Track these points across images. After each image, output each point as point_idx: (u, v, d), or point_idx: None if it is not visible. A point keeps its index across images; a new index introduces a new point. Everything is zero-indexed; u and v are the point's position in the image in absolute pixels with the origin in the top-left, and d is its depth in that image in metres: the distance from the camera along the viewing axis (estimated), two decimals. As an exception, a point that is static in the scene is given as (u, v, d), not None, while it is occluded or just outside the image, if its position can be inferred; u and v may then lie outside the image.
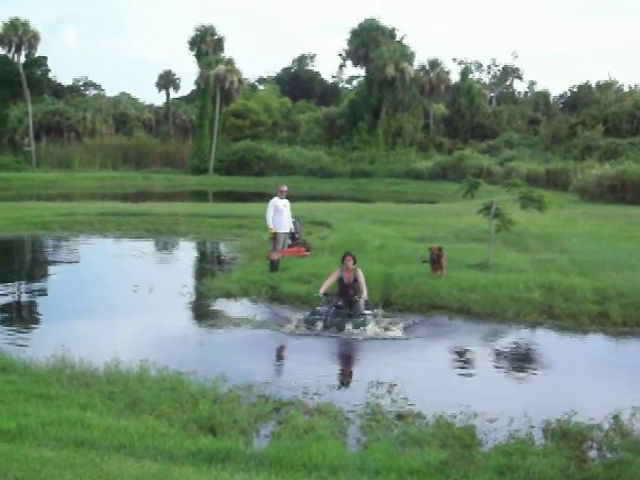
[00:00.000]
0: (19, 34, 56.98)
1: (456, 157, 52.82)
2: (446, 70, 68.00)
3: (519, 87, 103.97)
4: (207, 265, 18.26)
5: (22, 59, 59.99)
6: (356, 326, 10.65)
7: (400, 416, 7.10)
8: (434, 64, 67.56)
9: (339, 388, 8.24)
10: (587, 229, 21.05)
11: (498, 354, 10.04)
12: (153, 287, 14.12)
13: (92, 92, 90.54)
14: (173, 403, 6.95)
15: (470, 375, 9.23)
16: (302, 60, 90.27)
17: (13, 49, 58.06)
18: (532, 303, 11.90)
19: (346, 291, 11.29)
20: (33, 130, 60.24)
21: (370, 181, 54.18)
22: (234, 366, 8.71)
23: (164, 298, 13.42)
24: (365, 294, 11.23)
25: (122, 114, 75.82)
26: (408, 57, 62.79)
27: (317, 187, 51.15)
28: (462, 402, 7.35)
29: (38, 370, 7.83)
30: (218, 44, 64.79)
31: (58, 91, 78.88)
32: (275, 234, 14.93)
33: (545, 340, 10.80)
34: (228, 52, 64.88)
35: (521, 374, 9.21)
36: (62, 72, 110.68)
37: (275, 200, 15.15)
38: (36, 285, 15.04)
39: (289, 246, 16.07)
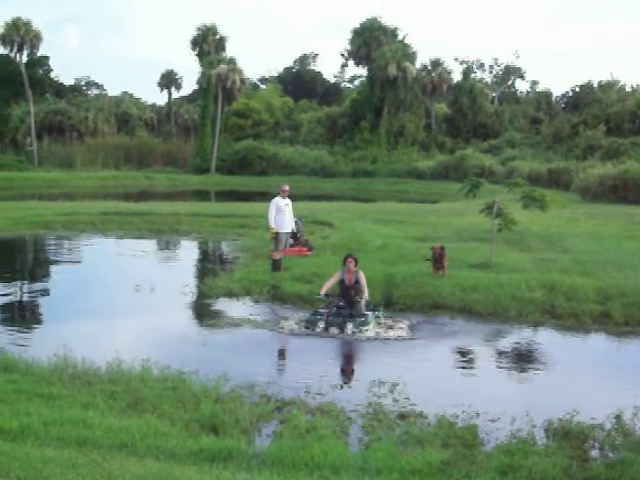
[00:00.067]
0: (21, 34, 56.98)
1: (458, 157, 52.78)
2: (448, 70, 68.08)
3: (521, 87, 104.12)
4: (209, 265, 18.29)
5: (24, 59, 60.16)
6: (357, 326, 10.65)
7: (402, 416, 7.10)
8: (436, 64, 67.52)
9: (341, 388, 8.24)
10: (589, 229, 21.03)
11: (500, 354, 10.03)
12: (155, 286, 14.13)
13: (94, 92, 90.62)
14: (175, 402, 6.95)
15: (472, 375, 9.22)
16: (304, 60, 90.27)
17: (15, 49, 58.04)
18: (534, 303, 11.90)
19: (347, 292, 11.28)
20: (35, 130, 60.29)
21: (372, 181, 54.15)
22: (236, 365, 8.71)
23: (166, 297, 13.43)
24: (366, 295, 11.23)
25: (124, 114, 75.82)
26: (410, 57, 62.73)
27: (319, 187, 51.14)
28: (464, 402, 7.35)
29: (40, 369, 7.84)
30: (220, 44, 64.84)
31: (60, 91, 78.95)
32: (277, 234, 14.93)
33: (547, 340, 10.78)
34: (230, 52, 65.10)
35: (523, 374, 9.21)
36: (64, 72, 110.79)
37: (277, 200, 15.15)
38: (38, 285, 15.04)
39: (291, 246, 16.08)
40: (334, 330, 10.61)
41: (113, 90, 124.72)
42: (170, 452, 5.72)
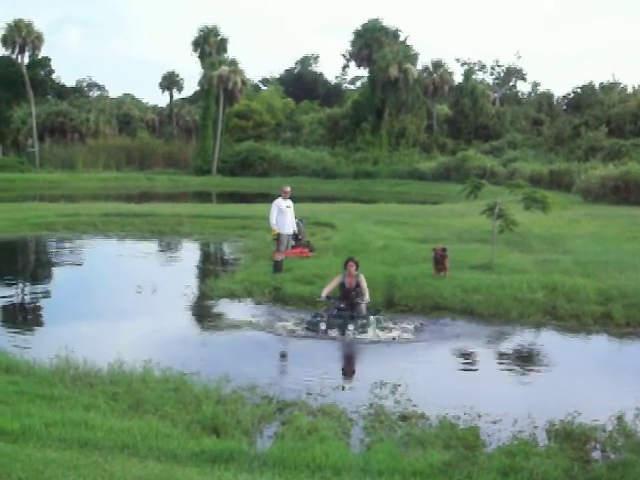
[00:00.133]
0: (22, 35, 57.02)
1: (459, 158, 52.76)
2: (449, 71, 68.03)
3: (522, 88, 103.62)
4: (210, 266, 18.29)
5: (25, 60, 60.13)
6: (358, 328, 10.65)
7: (403, 417, 7.10)
8: (437, 65, 67.58)
9: (342, 389, 8.23)
10: (591, 230, 21.02)
11: (501, 355, 10.03)
12: (156, 288, 14.15)
13: (95, 93, 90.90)
14: (176, 404, 6.96)
15: (473, 376, 9.23)
16: (305, 61, 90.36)
17: (17, 50, 58.07)
18: (535, 304, 11.90)
19: (348, 295, 11.27)
20: (37, 131, 60.35)
21: (373, 182, 54.15)
22: (237, 367, 8.71)
23: (167, 299, 13.44)
24: (367, 298, 11.23)
25: (125, 115, 75.95)
26: (411, 58, 62.80)
27: (320, 188, 51.15)
28: (466, 403, 7.35)
29: (42, 371, 7.84)
30: (221, 45, 64.98)
31: (61, 92, 79.09)
32: (278, 235, 14.93)
33: (548, 341, 10.78)
34: (231, 53, 65.22)
35: (524, 375, 9.20)
36: (65, 73, 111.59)
37: (278, 201, 15.14)
38: (39, 286, 15.06)
39: (292, 247, 16.07)
40: (335, 332, 10.62)
41: (114, 91, 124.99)
42: (172, 453, 5.72)
